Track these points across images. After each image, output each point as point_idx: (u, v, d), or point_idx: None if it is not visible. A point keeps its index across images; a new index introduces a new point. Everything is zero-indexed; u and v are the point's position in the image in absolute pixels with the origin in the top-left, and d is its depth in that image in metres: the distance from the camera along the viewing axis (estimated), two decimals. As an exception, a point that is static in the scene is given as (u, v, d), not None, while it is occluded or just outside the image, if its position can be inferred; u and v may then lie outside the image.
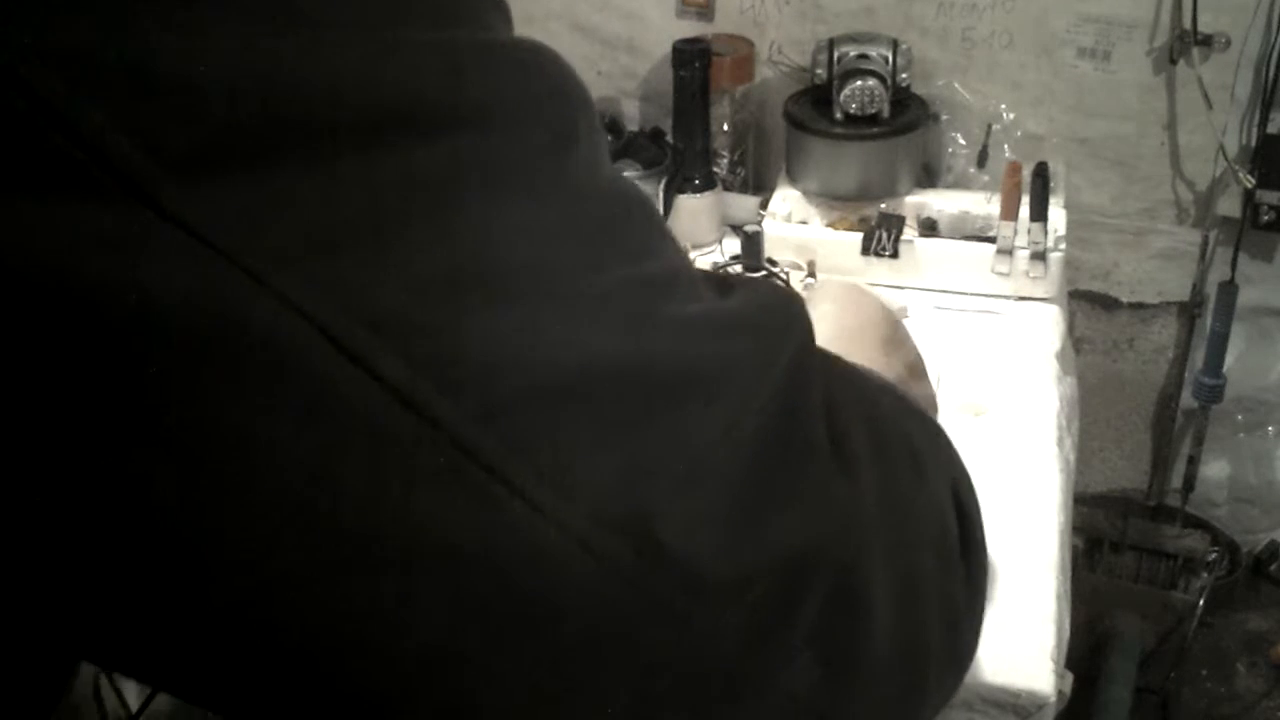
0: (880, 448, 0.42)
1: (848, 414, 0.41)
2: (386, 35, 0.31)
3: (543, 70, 0.35)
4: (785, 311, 0.41)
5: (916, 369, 0.70)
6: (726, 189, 1.62)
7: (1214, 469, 1.89)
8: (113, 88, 0.28)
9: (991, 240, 1.46)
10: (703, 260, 1.49)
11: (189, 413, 0.28)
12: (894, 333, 0.68)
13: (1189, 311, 1.78)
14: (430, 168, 0.31)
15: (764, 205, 1.57)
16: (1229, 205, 1.69)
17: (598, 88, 1.77)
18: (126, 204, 0.28)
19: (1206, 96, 1.61)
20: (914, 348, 0.71)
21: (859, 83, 1.52)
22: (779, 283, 0.45)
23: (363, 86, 0.30)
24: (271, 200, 0.29)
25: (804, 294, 0.72)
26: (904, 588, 0.42)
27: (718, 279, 0.41)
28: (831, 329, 0.66)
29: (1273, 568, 1.92)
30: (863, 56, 1.55)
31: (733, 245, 1.51)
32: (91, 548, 0.30)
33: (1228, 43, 1.59)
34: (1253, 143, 1.64)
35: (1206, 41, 1.59)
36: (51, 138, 0.27)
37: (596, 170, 0.36)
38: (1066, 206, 1.54)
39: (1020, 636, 0.98)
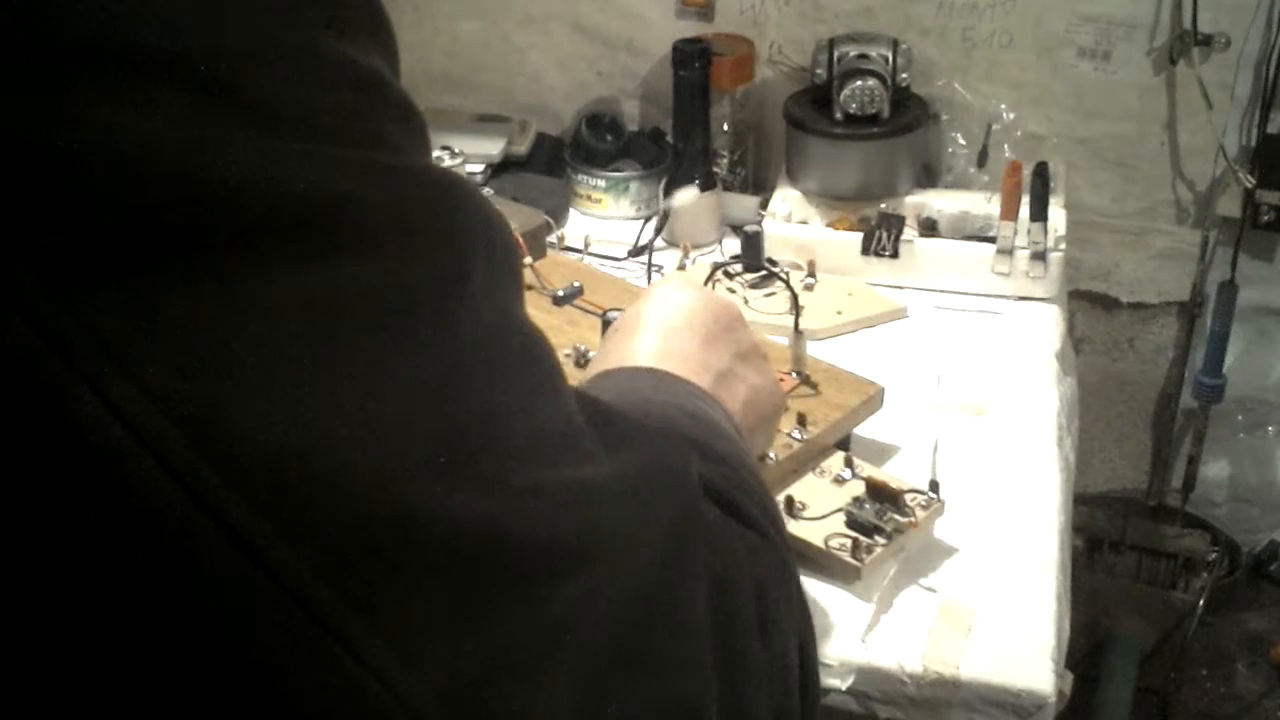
0: (731, 620, 0.41)
1: (704, 582, 0.40)
2: (285, 148, 0.30)
3: (442, 202, 0.34)
4: (668, 476, 0.39)
5: (749, 355, 0.68)
6: (726, 189, 1.62)
7: (1214, 469, 1.89)
8: None
9: (991, 240, 1.46)
10: (703, 260, 1.49)
11: (34, 525, 0.28)
12: (716, 325, 0.66)
13: (1189, 311, 1.78)
14: (297, 300, 0.30)
15: (764, 205, 1.57)
16: (1229, 205, 1.69)
17: (598, 88, 1.77)
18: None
19: (1206, 96, 1.61)
20: (746, 337, 0.69)
21: (859, 83, 1.52)
22: (668, 442, 0.44)
23: (242, 194, 0.29)
24: (135, 315, 0.28)
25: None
26: None
27: (609, 429, 0.39)
28: (640, 330, 0.64)
29: (1273, 568, 1.91)
30: (863, 56, 1.55)
31: (733, 245, 1.51)
32: None
33: (1228, 43, 1.59)
34: (1253, 143, 1.64)
35: (1206, 41, 1.59)
36: None
37: (488, 315, 0.35)
38: (1066, 206, 1.54)
39: (1020, 636, 0.98)
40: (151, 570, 0.29)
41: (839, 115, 1.53)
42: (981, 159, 1.63)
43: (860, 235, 1.48)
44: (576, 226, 1.61)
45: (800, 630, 0.47)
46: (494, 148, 1.66)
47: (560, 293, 1.22)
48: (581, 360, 1.13)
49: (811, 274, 1.43)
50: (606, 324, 1.02)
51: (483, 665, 0.32)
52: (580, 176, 1.65)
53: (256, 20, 0.31)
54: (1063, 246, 1.46)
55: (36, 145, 0.27)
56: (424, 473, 0.31)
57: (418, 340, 0.32)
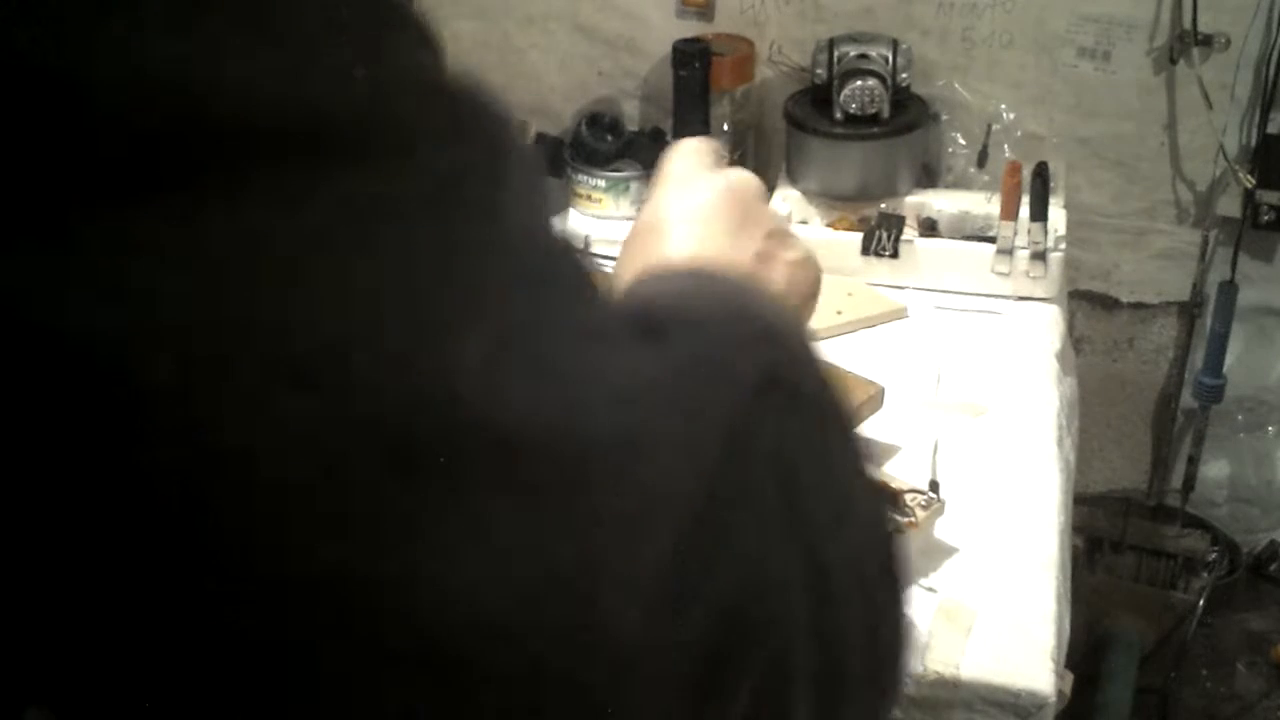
0: (802, 501, 0.40)
1: (771, 468, 0.39)
2: (305, 60, 0.30)
3: (474, 109, 0.34)
4: (720, 367, 0.39)
5: (777, 232, 0.64)
6: (726, 189, 1.62)
7: (1214, 469, 1.89)
8: (14, 105, 0.27)
9: (991, 240, 1.46)
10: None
11: (99, 448, 0.28)
12: (741, 209, 0.63)
13: (1189, 311, 1.78)
14: (342, 204, 0.30)
15: (764, 205, 1.57)
16: (1229, 205, 1.69)
17: (598, 88, 1.77)
18: (29, 227, 0.27)
19: (1206, 96, 1.61)
20: (767, 218, 0.65)
21: (859, 83, 1.52)
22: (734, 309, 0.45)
23: (274, 103, 0.29)
24: (173, 230, 0.28)
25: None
26: (828, 644, 0.39)
27: (656, 323, 0.39)
28: (667, 233, 0.62)
29: (1273, 568, 1.91)
30: (863, 56, 1.55)
31: (733, 245, 1.51)
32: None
33: (1228, 43, 1.59)
34: (1253, 143, 1.64)
35: (1206, 41, 1.59)
36: None
37: (527, 216, 0.35)
38: (1066, 206, 1.54)
39: (1020, 636, 0.98)
40: (221, 480, 0.28)
41: (839, 115, 1.53)
42: (981, 159, 1.63)
43: (860, 235, 1.48)
44: (577, 226, 1.61)
45: (872, 517, 0.46)
46: (494, 148, 1.66)
47: (560, 293, 1.22)
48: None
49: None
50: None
51: (550, 563, 0.31)
52: (580, 176, 1.65)
53: None
54: (1063, 246, 1.46)
55: (46, 68, 0.27)
56: (492, 361, 0.31)
57: (454, 229, 0.32)
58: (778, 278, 0.62)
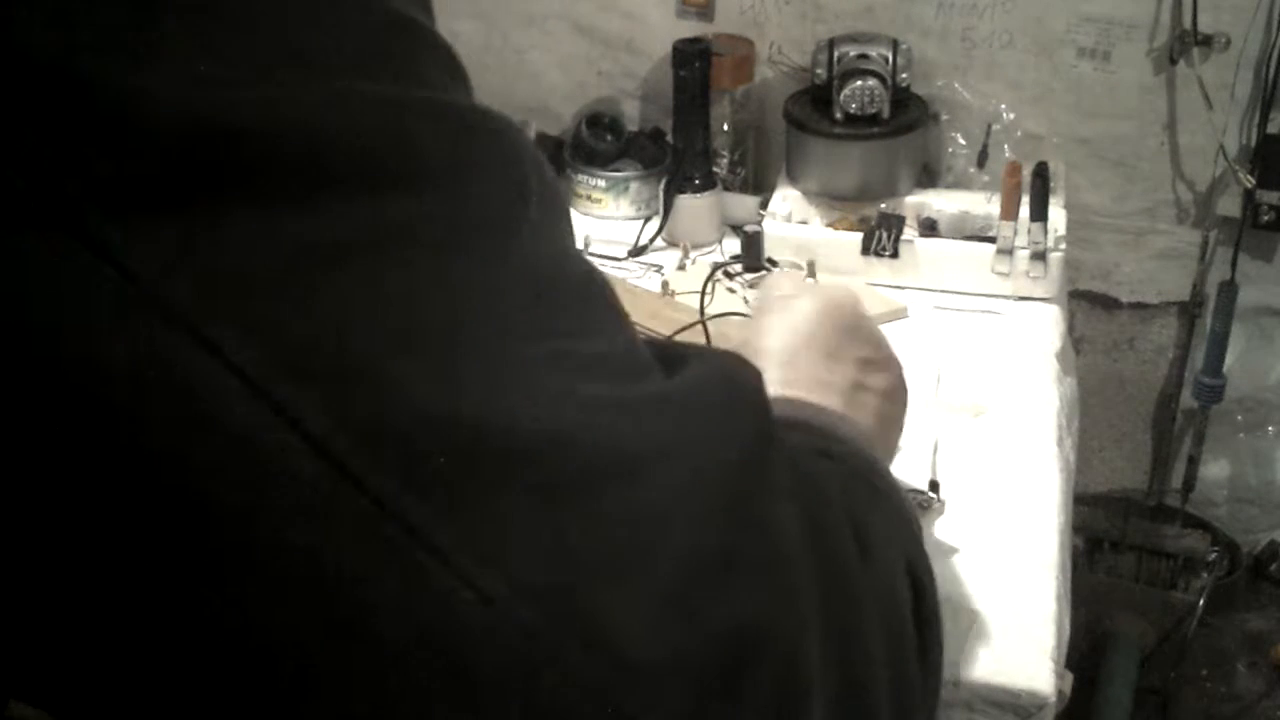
0: (823, 533, 0.40)
1: (791, 499, 0.39)
2: (336, 85, 0.31)
3: (494, 139, 0.35)
4: (734, 393, 0.39)
5: (872, 358, 0.64)
6: (726, 189, 1.62)
7: (1214, 469, 1.89)
8: (50, 113, 0.28)
9: (991, 240, 1.46)
10: (703, 260, 1.49)
11: (118, 457, 0.29)
12: (836, 336, 0.63)
13: (1189, 311, 1.78)
14: (367, 223, 0.31)
15: (764, 205, 1.57)
16: (1229, 205, 1.69)
17: (598, 88, 1.77)
18: (55, 235, 0.28)
19: (1206, 96, 1.61)
20: (865, 333, 0.65)
21: (859, 83, 1.52)
22: (731, 364, 0.44)
23: (306, 136, 0.30)
24: (202, 241, 0.29)
25: (755, 304, 0.65)
26: (849, 673, 0.40)
27: (670, 354, 0.40)
28: (769, 349, 0.62)
29: (1273, 568, 1.91)
30: (863, 56, 1.55)
31: (733, 245, 1.51)
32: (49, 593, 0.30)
33: (1228, 43, 1.59)
34: (1253, 143, 1.64)
35: (1206, 41, 1.59)
36: None
37: (545, 243, 0.36)
38: (1066, 206, 1.54)
39: (1020, 636, 0.98)
40: (236, 485, 0.29)
41: (839, 115, 1.53)
42: (981, 159, 1.63)
43: (860, 235, 1.48)
44: (577, 226, 1.60)
45: (906, 548, 0.46)
46: (494, 148, 1.66)
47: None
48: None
49: (811, 274, 1.43)
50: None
51: (564, 568, 0.32)
52: (580, 176, 1.65)
53: None
54: (1063, 246, 1.46)
55: (92, 85, 0.28)
56: (496, 379, 0.32)
57: (472, 259, 0.33)
58: (868, 409, 0.61)
